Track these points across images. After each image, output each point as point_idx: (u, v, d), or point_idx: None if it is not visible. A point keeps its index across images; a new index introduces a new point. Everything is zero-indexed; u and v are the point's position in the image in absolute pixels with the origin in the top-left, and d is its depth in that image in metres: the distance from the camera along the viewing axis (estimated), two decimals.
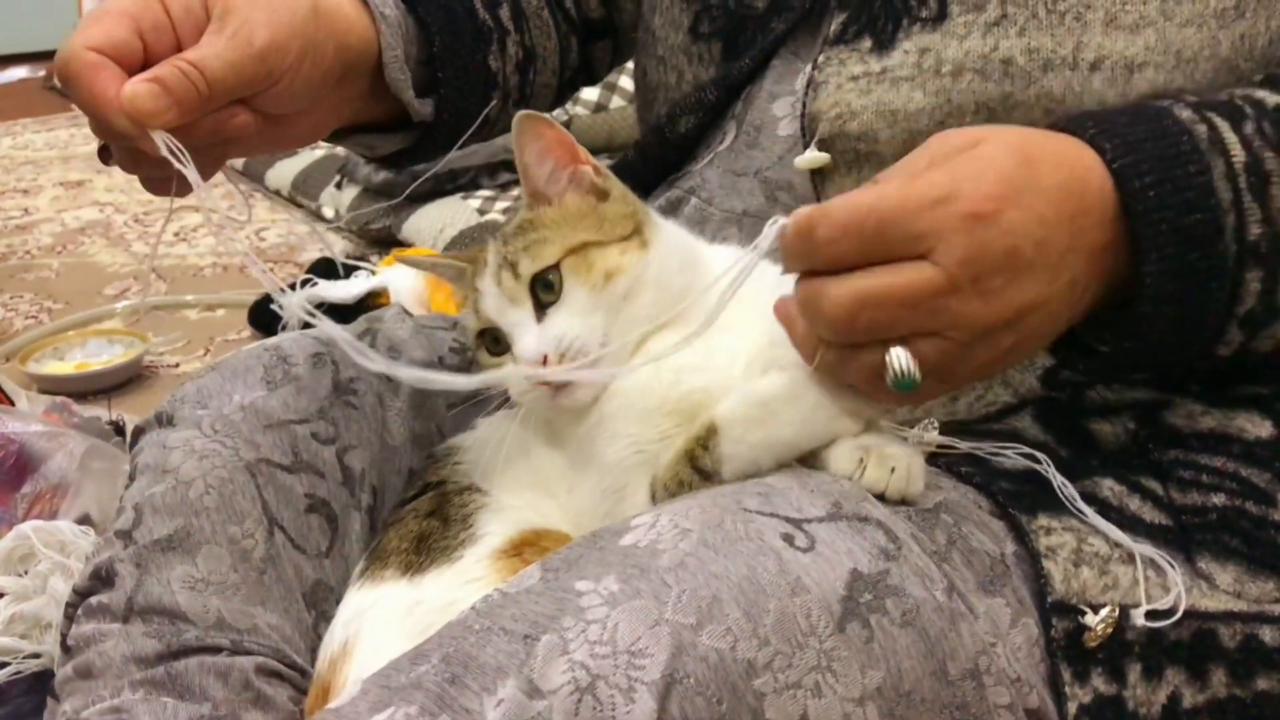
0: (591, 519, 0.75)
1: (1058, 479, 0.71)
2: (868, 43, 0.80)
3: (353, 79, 0.85)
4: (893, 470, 0.68)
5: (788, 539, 0.63)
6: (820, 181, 0.83)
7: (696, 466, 0.70)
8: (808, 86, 0.82)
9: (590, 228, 0.77)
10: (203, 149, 0.74)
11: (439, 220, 2.25)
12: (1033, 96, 0.75)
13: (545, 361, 0.73)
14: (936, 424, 0.76)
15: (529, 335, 0.75)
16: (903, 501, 0.69)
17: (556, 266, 0.75)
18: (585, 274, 0.75)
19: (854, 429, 0.69)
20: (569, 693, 0.56)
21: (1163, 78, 0.74)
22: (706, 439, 0.70)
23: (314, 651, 0.77)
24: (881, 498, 0.68)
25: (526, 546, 0.73)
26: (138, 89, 0.71)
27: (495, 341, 0.78)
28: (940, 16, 0.77)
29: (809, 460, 0.71)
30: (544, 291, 0.76)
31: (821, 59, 0.81)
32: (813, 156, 0.81)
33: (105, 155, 0.79)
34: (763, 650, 0.59)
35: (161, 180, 0.78)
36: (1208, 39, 0.74)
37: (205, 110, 0.73)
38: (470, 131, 0.92)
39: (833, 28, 0.82)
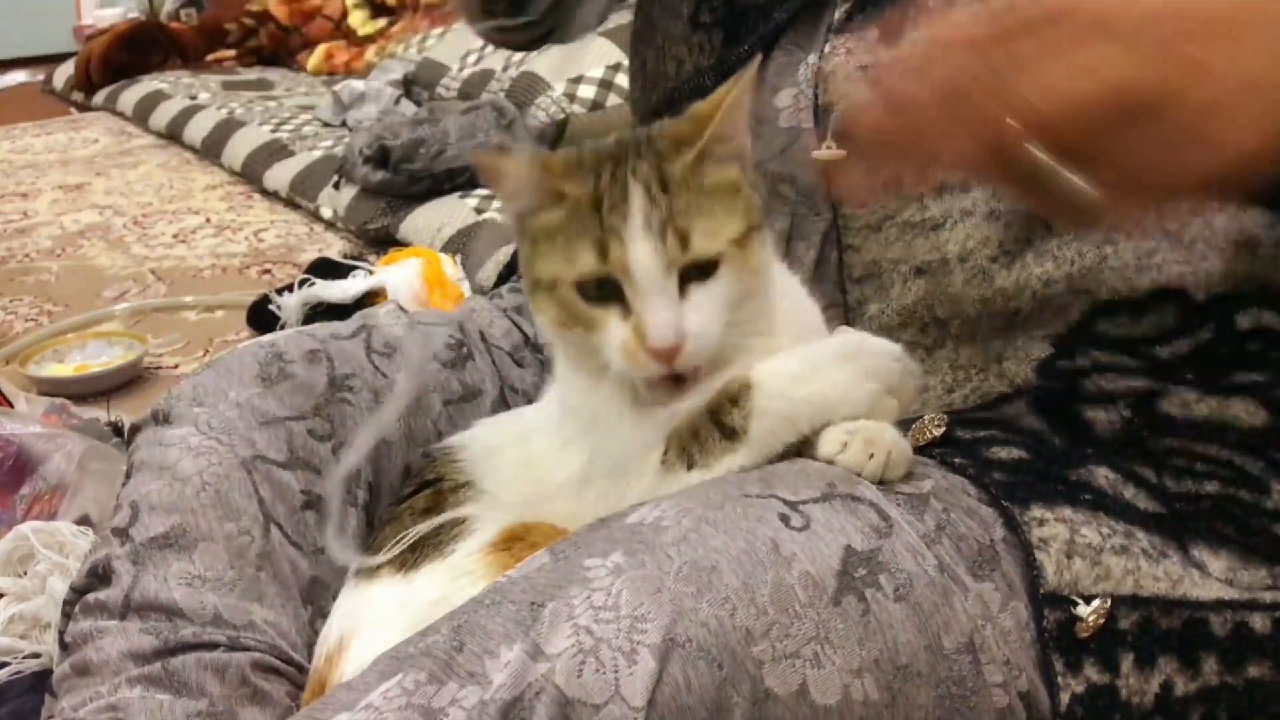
0: (606, 486, 0.74)
1: None
2: (874, 33, 0.79)
3: None
4: (871, 456, 0.69)
5: (784, 519, 0.64)
6: (831, 173, 0.81)
7: (720, 422, 0.70)
8: (816, 77, 0.81)
9: (743, 210, 0.68)
10: None
11: (436, 219, 2.26)
12: None
13: (668, 351, 0.66)
14: (945, 421, 0.76)
15: (667, 315, 0.65)
16: (881, 484, 0.69)
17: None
18: (741, 266, 0.67)
19: (890, 406, 0.70)
20: (572, 654, 0.57)
21: None
22: (738, 394, 0.69)
23: (310, 647, 0.77)
24: None
25: (516, 540, 0.73)
26: None
27: (600, 286, 0.67)
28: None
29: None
30: (697, 272, 0.66)
31: (828, 49, 0.81)
32: (831, 152, 0.80)
33: None
34: (760, 619, 0.60)
35: None
36: None
37: None
38: None
39: (836, 16, 0.82)
